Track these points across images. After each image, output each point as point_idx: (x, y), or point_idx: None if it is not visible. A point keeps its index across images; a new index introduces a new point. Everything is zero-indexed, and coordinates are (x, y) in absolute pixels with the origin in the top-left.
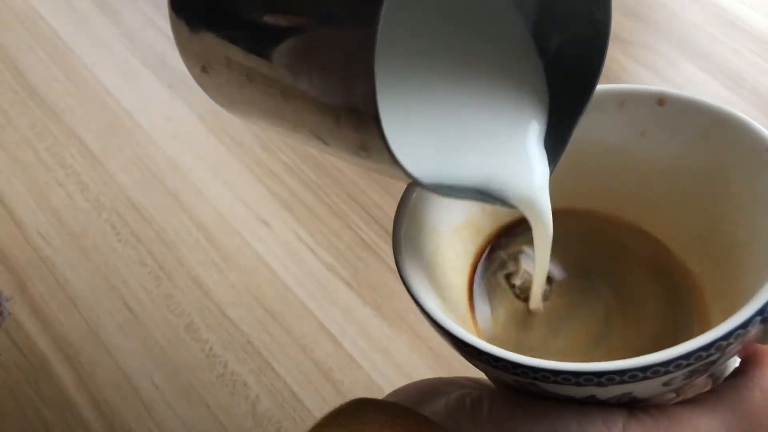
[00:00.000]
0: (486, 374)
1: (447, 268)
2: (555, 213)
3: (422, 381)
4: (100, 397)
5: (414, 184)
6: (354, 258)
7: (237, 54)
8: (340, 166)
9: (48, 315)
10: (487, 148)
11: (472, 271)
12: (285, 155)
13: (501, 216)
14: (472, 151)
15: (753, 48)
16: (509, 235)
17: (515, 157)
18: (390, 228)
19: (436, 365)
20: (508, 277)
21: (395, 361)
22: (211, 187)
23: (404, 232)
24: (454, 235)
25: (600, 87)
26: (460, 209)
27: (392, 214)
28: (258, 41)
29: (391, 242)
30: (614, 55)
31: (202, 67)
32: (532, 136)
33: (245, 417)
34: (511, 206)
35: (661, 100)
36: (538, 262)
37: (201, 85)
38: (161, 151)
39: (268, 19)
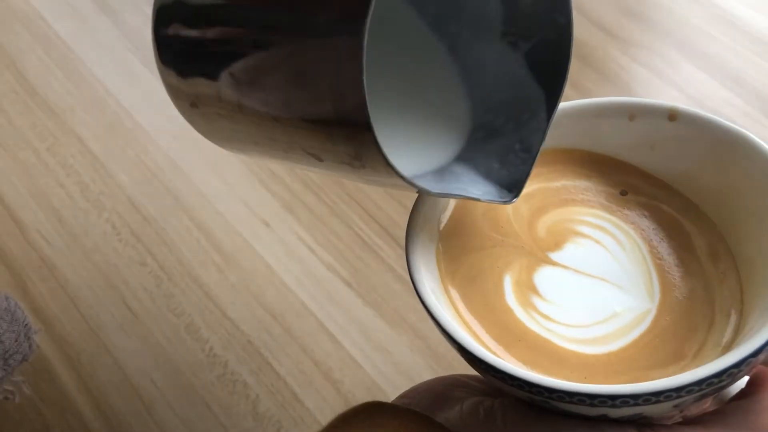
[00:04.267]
0: (500, 390)
1: None
2: None
3: (431, 382)
4: (100, 396)
5: (409, 187)
6: (354, 258)
7: (226, 87)
8: None
9: (48, 315)
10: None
11: None
12: None
13: None
14: (448, 155)
15: (753, 48)
16: None
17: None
18: (390, 228)
19: (437, 365)
20: None
21: (395, 361)
22: (211, 187)
23: (416, 239)
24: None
25: (612, 98)
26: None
27: (392, 214)
28: (244, 70)
29: (390, 242)
30: (614, 54)
31: (191, 103)
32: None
33: (245, 417)
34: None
35: (672, 115)
36: None
37: (192, 122)
38: (161, 151)
39: (252, 45)
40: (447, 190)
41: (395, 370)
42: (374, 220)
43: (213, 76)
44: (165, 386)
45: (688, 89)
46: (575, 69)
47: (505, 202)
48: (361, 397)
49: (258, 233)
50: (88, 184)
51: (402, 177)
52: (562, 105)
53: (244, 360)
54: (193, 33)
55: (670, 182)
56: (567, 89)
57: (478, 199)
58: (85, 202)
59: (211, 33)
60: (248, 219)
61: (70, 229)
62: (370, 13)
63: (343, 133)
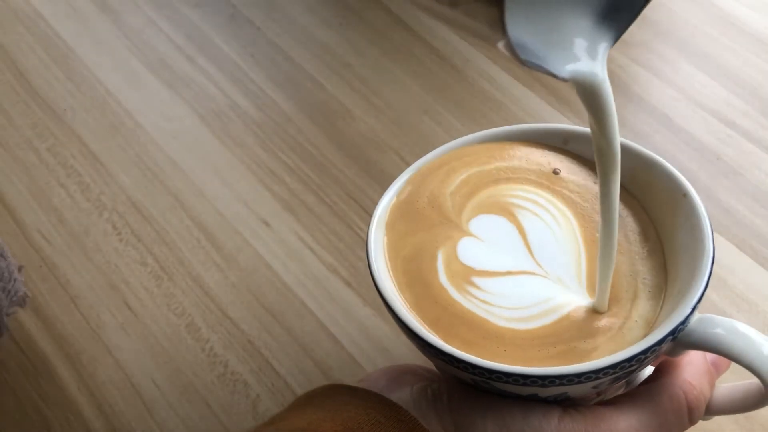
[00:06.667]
0: (444, 371)
1: None
2: None
3: (385, 368)
4: (100, 396)
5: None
6: (354, 258)
7: None
8: (341, 166)
9: (49, 315)
10: (561, 27)
11: None
12: (285, 155)
13: None
14: (550, 27)
15: (752, 48)
16: None
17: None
18: None
19: None
20: None
21: (395, 360)
22: (211, 187)
23: (375, 230)
24: None
25: (548, 125)
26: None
27: None
28: None
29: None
30: (613, 55)
31: None
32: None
33: (245, 417)
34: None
35: None
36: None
37: None
38: (161, 151)
39: None
40: (531, 59)
41: None
42: None
43: None
44: (165, 386)
45: (687, 89)
46: None
47: (584, 78)
48: None
49: (258, 233)
50: (89, 184)
51: (508, 37)
52: (505, 129)
53: (245, 360)
54: None
55: None
56: (565, 89)
57: (555, 76)
58: (86, 201)
59: None
60: (248, 219)
61: (70, 229)
62: None
63: None
